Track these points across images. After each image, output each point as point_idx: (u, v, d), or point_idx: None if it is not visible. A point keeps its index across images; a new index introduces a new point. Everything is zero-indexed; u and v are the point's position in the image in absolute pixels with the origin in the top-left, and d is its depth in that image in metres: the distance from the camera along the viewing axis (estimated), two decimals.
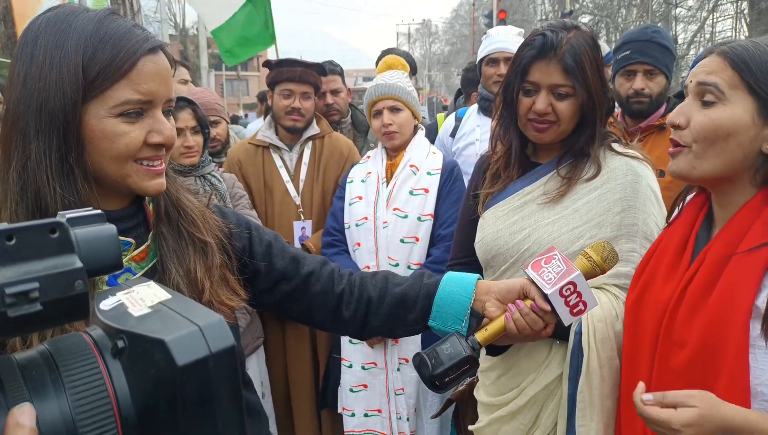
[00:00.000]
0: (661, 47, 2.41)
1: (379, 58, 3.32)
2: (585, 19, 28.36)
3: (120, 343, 0.44)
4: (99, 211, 0.47)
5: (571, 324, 1.47)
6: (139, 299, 0.47)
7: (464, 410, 1.94)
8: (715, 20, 23.07)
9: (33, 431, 0.38)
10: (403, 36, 53.32)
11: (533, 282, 1.21)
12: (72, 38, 0.88)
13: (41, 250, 0.40)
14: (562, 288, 1.16)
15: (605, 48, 3.04)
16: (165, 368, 0.42)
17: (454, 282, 1.24)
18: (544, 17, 26.50)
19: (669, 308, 1.19)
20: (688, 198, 1.33)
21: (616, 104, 2.66)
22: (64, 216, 0.44)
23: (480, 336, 1.17)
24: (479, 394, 1.73)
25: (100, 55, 0.88)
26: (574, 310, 1.18)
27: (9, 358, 0.42)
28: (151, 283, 0.50)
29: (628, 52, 2.44)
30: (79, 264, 0.42)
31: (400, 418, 2.34)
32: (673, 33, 23.39)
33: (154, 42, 0.94)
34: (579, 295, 1.17)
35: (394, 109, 2.37)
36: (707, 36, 23.09)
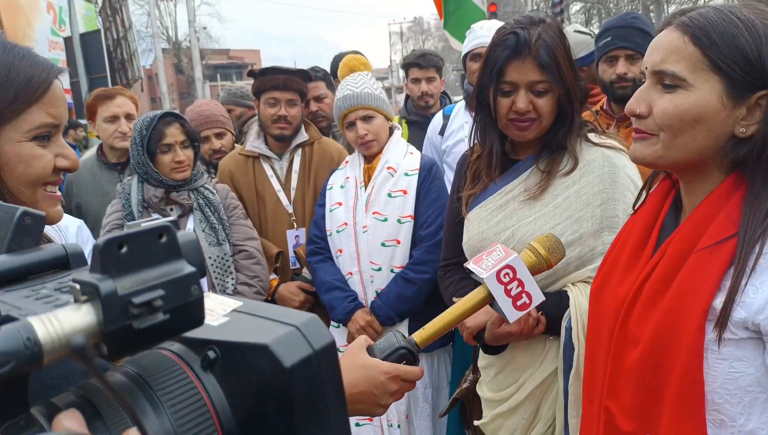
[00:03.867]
0: (642, 32, 2.43)
1: (334, 64, 3.34)
2: (576, 6, 28.29)
3: (211, 354, 0.41)
4: (173, 218, 0.45)
5: (561, 320, 1.48)
6: (208, 310, 0.44)
7: (470, 406, 1.95)
8: (707, 1, 23.00)
9: None
10: (395, 35, 53.28)
11: (472, 272, 1.18)
12: None
13: (152, 257, 0.38)
14: (499, 271, 1.13)
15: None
16: (270, 373, 0.39)
17: None
18: (535, 8, 26.43)
19: (626, 303, 1.10)
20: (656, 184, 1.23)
21: (603, 92, 2.67)
22: (139, 224, 0.41)
23: (418, 336, 1.13)
24: (482, 389, 1.74)
25: (13, 78, 0.86)
26: (518, 303, 1.14)
27: (94, 385, 0.40)
28: (210, 294, 0.47)
29: (609, 39, 2.46)
30: (190, 268, 0.39)
31: (391, 426, 2.32)
32: (666, 15, 23.28)
33: (59, 67, 0.94)
34: (520, 283, 1.14)
35: (366, 118, 2.33)
36: None
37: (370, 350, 1.07)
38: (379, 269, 2.30)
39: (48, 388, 0.53)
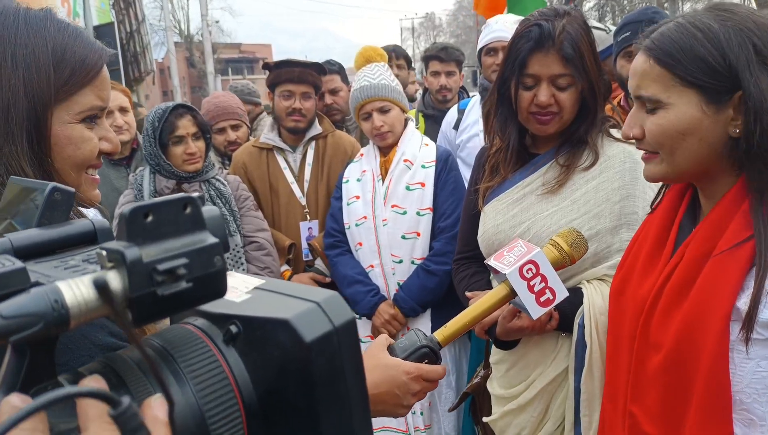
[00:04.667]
0: None
1: None
2: (590, 3, 28.06)
3: (233, 329, 0.42)
4: (197, 194, 0.45)
5: (574, 317, 1.47)
6: (231, 287, 0.45)
7: (480, 402, 1.94)
8: None
9: (167, 425, 0.36)
10: (407, 30, 53.11)
11: (494, 269, 1.17)
12: (34, 35, 0.82)
13: (177, 227, 0.38)
14: (522, 267, 1.12)
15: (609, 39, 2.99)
16: (291, 348, 0.40)
17: None
18: (548, 3, 26.23)
19: (646, 307, 1.11)
20: None
21: (620, 88, 2.64)
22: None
23: (440, 335, 1.11)
24: (492, 386, 1.73)
25: (69, 57, 0.83)
26: (541, 299, 1.13)
27: (121, 356, 0.41)
28: (233, 272, 0.48)
29: (628, 34, 2.43)
30: (214, 239, 0.40)
31: (414, 413, 2.34)
32: (680, 12, 23.05)
33: (109, 50, 0.92)
34: (544, 279, 1.13)
35: (383, 110, 2.34)
36: None
37: (390, 349, 1.05)
38: (400, 261, 2.32)
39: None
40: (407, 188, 2.32)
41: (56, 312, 0.32)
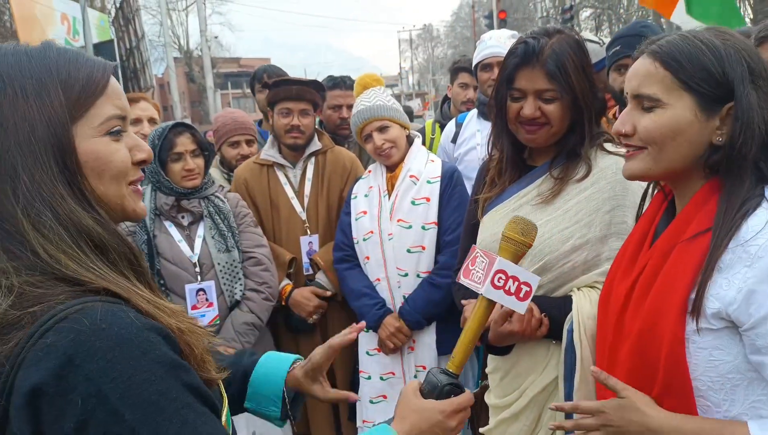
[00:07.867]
0: None
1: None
2: (586, 12, 28.24)
3: None
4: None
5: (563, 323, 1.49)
6: None
7: (477, 414, 1.95)
8: None
9: None
10: (405, 42, 53.42)
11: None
12: (38, 65, 0.86)
13: None
14: (492, 279, 1.16)
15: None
16: None
17: (270, 362, 1.26)
18: (544, 14, 26.41)
19: (621, 300, 1.20)
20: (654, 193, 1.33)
21: (614, 100, 2.67)
22: None
23: (452, 365, 1.17)
24: (489, 397, 1.75)
25: (75, 75, 0.87)
26: (520, 295, 1.17)
27: None
28: None
29: (618, 48, 2.50)
30: None
31: None
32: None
33: (112, 63, 0.96)
34: (515, 279, 1.16)
35: (382, 129, 2.39)
36: None
37: (422, 393, 1.13)
38: (406, 275, 2.36)
39: None
40: (413, 203, 2.37)
41: None
